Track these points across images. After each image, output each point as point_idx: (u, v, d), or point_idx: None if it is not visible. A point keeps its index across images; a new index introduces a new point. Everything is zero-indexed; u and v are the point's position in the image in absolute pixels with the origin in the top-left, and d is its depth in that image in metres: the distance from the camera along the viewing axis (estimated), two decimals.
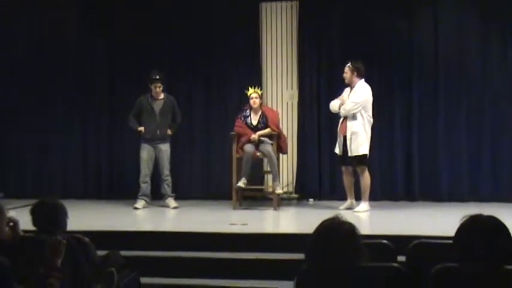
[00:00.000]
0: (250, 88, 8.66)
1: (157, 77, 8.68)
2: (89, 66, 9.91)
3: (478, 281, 2.99)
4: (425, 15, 9.33)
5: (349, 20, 9.41)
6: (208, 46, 9.63)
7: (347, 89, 8.29)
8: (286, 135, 9.06)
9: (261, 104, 8.68)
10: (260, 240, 6.54)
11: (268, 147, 8.44)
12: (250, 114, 8.62)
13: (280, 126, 8.93)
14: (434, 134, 9.22)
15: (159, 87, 8.71)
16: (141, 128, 8.71)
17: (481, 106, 9.18)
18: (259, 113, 8.60)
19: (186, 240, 6.57)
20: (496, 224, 3.08)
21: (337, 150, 8.31)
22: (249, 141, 8.47)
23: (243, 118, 8.63)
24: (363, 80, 8.22)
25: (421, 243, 4.00)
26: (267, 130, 8.53)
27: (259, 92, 8.68)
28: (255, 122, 8.58)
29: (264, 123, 8.57)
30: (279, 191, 8.38)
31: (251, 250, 6.32)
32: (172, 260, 6.28)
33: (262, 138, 8.50)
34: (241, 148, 8.49)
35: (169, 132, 8.79)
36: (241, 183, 8.36)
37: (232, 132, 8.60)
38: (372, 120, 8.18)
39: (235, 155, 8.55)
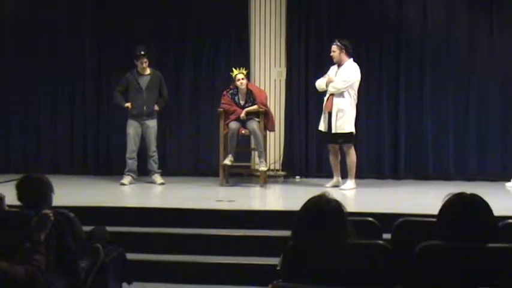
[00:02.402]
0: (234, 69, 8.56)
1: (143, 53, 8.60)
2: (77, 43, 9.80)
3: (461, 259, 3.02)
4: None
5: None
6: (198, 23, 9.56)
7: (333, 67, 8.27)
8: (273, 113, 9.04)
9: (247, 84, 8.60)
10: (247, 217, 6.55)
11: (255, 124, 8.41)
12: (237, 93, 8.55)
13: (268, 104, 8.89)
14: (421, 112, 9.25)
15: (145, 62, 8.64)
16: (128, 104, 8.66)
17: (467, 86, 9.21)
18: (246, 92, 8.54)
19: (172, 217, 6.58)
20: (478, 202, 3.11)
21: (322, 127, 8.29)
22: (237, 119, 8.44)
23: (230, 96, 8.57)
24: (352, 59, 8.20)
25: (407, 220, 4.02)
26: (255, 107, 8.49)
27: (245, 72, 8.58)
28: (242, 102, 8.51)
29: (251, 102, 8.51)
30: (263, 168, 8.37)
31: (238, 227, 6.34)
32: (158, 236, 6.29)
33: (249, 116, 8.46)
34: (228, 125, 8.46)
35: (156, 108, 8.75)
36: (228, 161, 8.35)
37: (220, 109, 8.56)
38: (356, 99, 8.18)
39: (222, 132, 8.54)
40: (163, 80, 8.82)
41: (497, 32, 9.15)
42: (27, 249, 3.49)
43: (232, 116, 8.45)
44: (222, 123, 8.54)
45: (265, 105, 8.62)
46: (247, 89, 8.54)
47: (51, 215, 3.72)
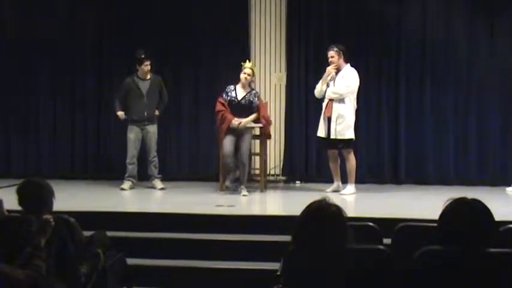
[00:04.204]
0: (248, 61, 8.37)
1: (144, 56, 8.60)
2: (78, 47, 9.81)
3: (461, 264, 3.02)
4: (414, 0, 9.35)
5: (339, 3, 9.39)
6: (198, 27, 9.57)
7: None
8: (273, 118, 9.06)
9: (250, 83, 8.28)
10: (247, 222, 6.55)
11: (246, 152, 8.11)
12: (235, 89, 8.24)
13: (268, 110, 8.79)
14: (421, 117, 9.25)
15: (149, 65, 8.63)
16: (121, 113, 8.62)
17: (467, 90, 9.22)
18: (247, 89, 8.25)
19: (172, 222, 6.57)
20: (479, 207, 3.11)
21: (322, 133, 8.26)
22: (230, 130, 8.07)
23: (225, 95, 8.21)
24: (349, 64, 8.21)
25: (407, 226, 4.03)
26: (252, 117, 8.19)
27: (254, 69, 8.37)
28: (240, 97, 8.19)
29: (249, 100, 8.19)
30: (244, 193, 8.04)
31: (238, 232, 6.33)
32: (158, 241, 6.29)
33: (246, 126, 8.10)
34: (221, 144, 8.14)
35: (157, 113, 8.75)
36: (228, 183, 8.31)
37: (217, 126, 8.32)
38: (356, 104, 8.19)
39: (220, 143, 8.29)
40: (163, 84, 8.83)
41: (497, 35, 9.16)
42: (27, 254, 3.49)
43: (225, 126, 8.08)
44: (220, 141, 8.25)
45: (267, 120, 8.33)
46: (250, 88, 8.24)
47: (51, 219, 3.73)
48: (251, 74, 8.25)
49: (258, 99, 8.32)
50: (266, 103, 8.92)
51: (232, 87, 8.27)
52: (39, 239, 3.56)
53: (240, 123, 8.08)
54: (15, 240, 3.62)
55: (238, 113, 8.14)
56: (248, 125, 8.15)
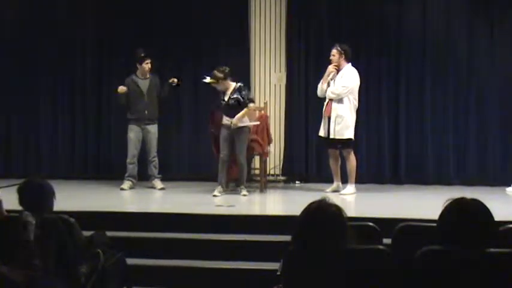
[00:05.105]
0: (204, 80, 8.17)
1: (145, 54, 8.60)
2: (77, 46, 9.81)
3: (462, 264, 3.02)
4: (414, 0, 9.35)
5: (339, 3, 9.39)
6: (198, 28, 9.57)
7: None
8: (273, 118, 9.06)
9: (225, 82, 8.08)
10: (247, 222, 6.55)
11: (242, 152, 8.08)
12: (224, 92, 8.16)
13: (268, 109, 8.82)
14: (421, 117, 9.25)
15: (150, 63, 8.63)
16: (122, 87, 8.57)
17: (467, 90, 9.22)
18: (231, 88, 8.12)
19: (172, 222, 6.58)
20: (478, 206, 3.11)
21: (321, 133, 8.28)
22: (216, 132, 8.17)
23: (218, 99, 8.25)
24: (350, 64, 8.22)
25: (407, 226, 4.02)
26: (242, 113, 8.04)
27: (216, 78, 8.06)
28: (226, 98, 8.12)
29: (235, 98, 8.06)
30: (244, 192, 8.07)
31: (238, 232, 6.34)
32: (158, 241, 6.30)
33: (238, 126, 8.02)
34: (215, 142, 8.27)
35: (174, 80, 8.69)
36: (217, 192, 8.04)
37: (212, 130, 8.41)
38: (357, 104, 8.19)
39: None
40: (160, 83, 8.81)
41: (497, 35, 9.15)
42: (28, 254, 3.49)
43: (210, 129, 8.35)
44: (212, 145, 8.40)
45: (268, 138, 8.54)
46: (230, 87, 8.11)
47: (51, 219, 3.73)
48: (215, 82, 8.09)
49: (243, 92, 8.12)
50: (266, 103, 8.94)
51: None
52: (30, 236, 3.57)
53: (231, 122, 8.04)
54: (14, 240, 3.62)
55: (231, 113, 8.08)
56: (241, 124, 8.08)
